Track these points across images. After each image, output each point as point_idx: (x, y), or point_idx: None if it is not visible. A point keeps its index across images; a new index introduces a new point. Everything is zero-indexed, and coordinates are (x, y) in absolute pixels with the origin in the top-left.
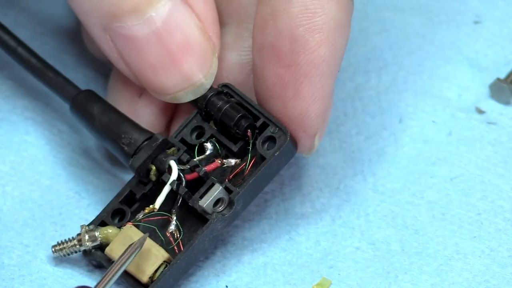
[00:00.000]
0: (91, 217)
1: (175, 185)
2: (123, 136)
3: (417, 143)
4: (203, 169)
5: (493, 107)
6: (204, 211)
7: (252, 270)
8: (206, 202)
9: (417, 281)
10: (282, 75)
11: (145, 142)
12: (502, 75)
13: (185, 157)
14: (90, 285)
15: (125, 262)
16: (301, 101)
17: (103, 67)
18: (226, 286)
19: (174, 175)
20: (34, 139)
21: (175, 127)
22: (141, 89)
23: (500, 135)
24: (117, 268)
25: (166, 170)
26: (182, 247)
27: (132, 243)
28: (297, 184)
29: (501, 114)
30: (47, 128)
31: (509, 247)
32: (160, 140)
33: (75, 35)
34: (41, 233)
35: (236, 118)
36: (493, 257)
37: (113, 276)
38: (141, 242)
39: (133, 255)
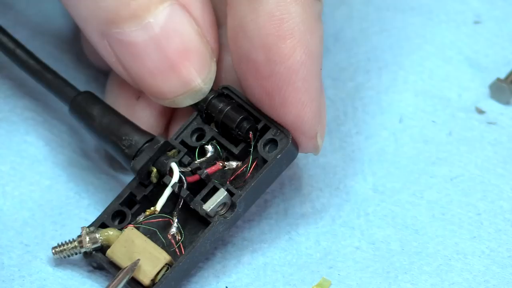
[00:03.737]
0: (91, 217)
1: (176, 188)
2: (123, 138)
3: (417, 143)
4: (205, 171)
5: (493, 107)
6: (207, 214)
7: (252, 271)
8: (210, 206)
9: (417, 281)
10: (265, 85)
11: (146, 144)
12: (502, 75)
13: (186, 159)
14: None
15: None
16: (290, 108)
17: (98, 79)
18: (226, 287)
19: (175, 178)
20: (34, 139)
21: (174, 129)
22: (139, 92)
23: (500, 135)
24: None
25: (168, 173)
26: (183, 250)
27: (124, 268)
28: (297, 184)
29: (501, 114)
30: (47, 128)
31: (509, 247)
32: (161, 142)
33: (76, 35)
34: (41, 232)
35: (238, 120)
36: (493, 257)
37: None
38: (132, 268)
39: (125, 281)
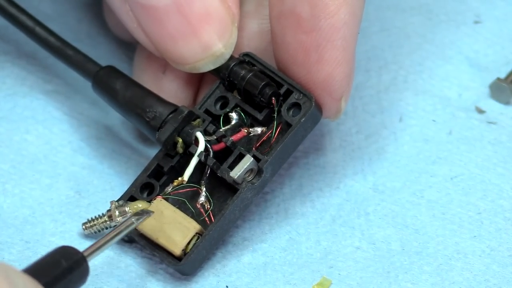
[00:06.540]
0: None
1: (203, 157)
2: (147, 110)
3: (417, 142)
4: (230, 139)
5: (493, 107)
6: (234, 181)
7: (252, 270)
8: (237, 173)
9: (417, 280)
10: (303, 41)
11: (170, 115)
12: (502, 75)
13: (211, 128)
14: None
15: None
16: (325, 66)
17: (121, 49)
18: (227, 286)
19: (201, 147)
20: (34, 138)
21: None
22: (164, 65)
23: (500, 135)
24: (110, 236)
25: (193, 142)
26: (213, 218)
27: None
28: (297, 184)
29: (501, 113)
30: (48, 127)
31: (509, 247)
32: (185, 112)
33: (94, 16)
34: (41, 230)
35: (260, 86)
36: (493, 256)
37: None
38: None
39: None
